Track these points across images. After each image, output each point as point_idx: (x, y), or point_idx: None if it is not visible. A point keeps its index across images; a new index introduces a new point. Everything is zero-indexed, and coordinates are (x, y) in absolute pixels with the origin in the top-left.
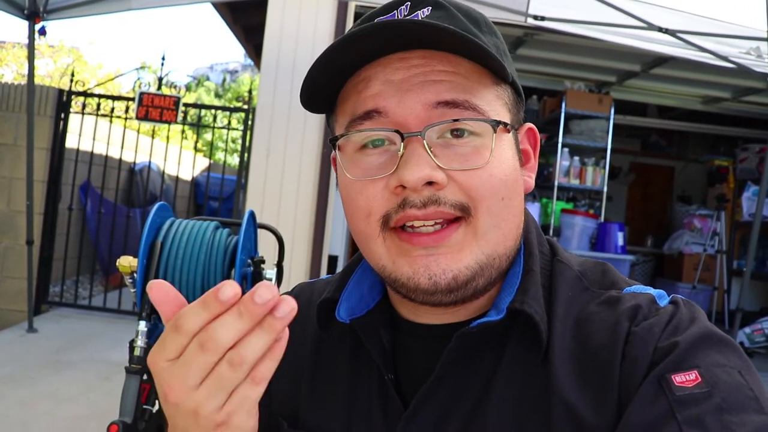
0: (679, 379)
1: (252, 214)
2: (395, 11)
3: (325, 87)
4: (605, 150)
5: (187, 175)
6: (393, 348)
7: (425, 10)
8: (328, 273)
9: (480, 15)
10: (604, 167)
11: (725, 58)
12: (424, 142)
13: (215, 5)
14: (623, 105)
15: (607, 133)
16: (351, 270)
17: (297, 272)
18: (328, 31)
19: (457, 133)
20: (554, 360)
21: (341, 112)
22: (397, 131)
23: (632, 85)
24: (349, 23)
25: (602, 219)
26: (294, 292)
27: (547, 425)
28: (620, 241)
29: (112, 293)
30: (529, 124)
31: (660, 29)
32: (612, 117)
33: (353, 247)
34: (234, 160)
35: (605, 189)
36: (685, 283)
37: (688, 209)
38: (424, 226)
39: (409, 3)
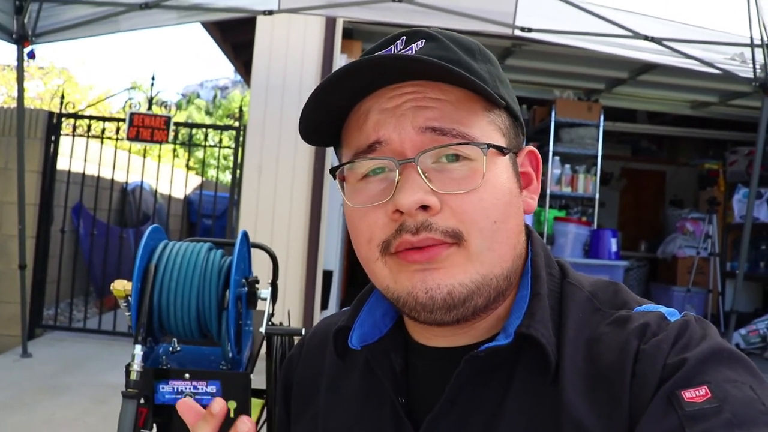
0: (688, 395)
1: (245, 234)
2: (392, 45)
3: (325, 122)
4: (596, 157)
5: (179, 193)
6: (406, 372)
7: (419, 42)
8: (323, 288)
9: (474, 44)
10: (596, 174)
11: (711, 65)
12: (418, 167)
13: (204, 24)
14: (612, 112)
15: (597, 140)
16: (365, 298)
17: (292, 289)
18: (317, 47)
19: (452, 158)
20: (565, 382)
21: (346, 145)
22: (392, 159)
23: (621, 92)
24: (338, 39)
25: (595, 226)
26: (314, 328)
27: None
28: (614, 247)
29: (107, 315)
30: (530, 147)
31: (646, 38)
32: (602, 124)
33: (348, 262)
34: (226, 177)
35: (597, 196)
36: (680, 286)
37: (680, 213)
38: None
39: (404, 37)
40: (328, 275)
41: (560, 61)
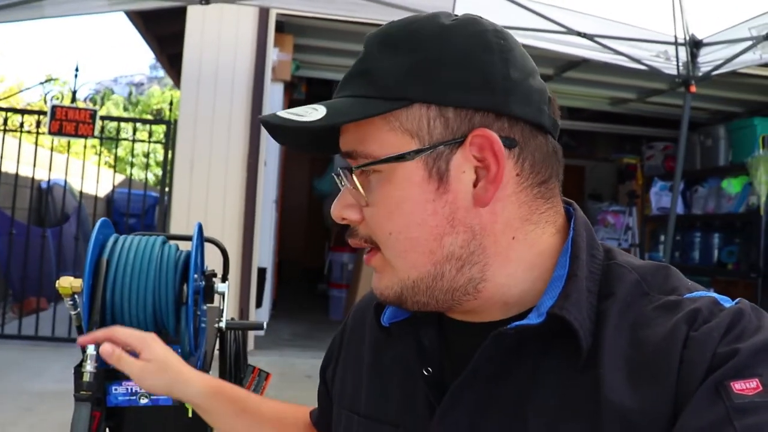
0: (738, 386)
1: (200, 227)
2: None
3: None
4: None
5: (101, 192)
6: (438, 344)
7: (346, 86)
8: (258, 286)
9: (400, 35)
10: None
11: (638, 61)
12: (344, 182)
13: (129, 15)
14: None
15: None
16: None
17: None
18: (250, 39)
19: (368, 173)
20: (605, 365)
21: None
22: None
23: None
24: (271, 32)
25: None
26: (364, 296)
27: (594, 429)
28: None
29: (27, 319)
30: (477, 131)
31: (579, 33)
32: None
33: (280, 258)
34: (149, 177)
35: None
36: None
37: (601, 206)
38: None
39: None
40: (262, 272)
41: None
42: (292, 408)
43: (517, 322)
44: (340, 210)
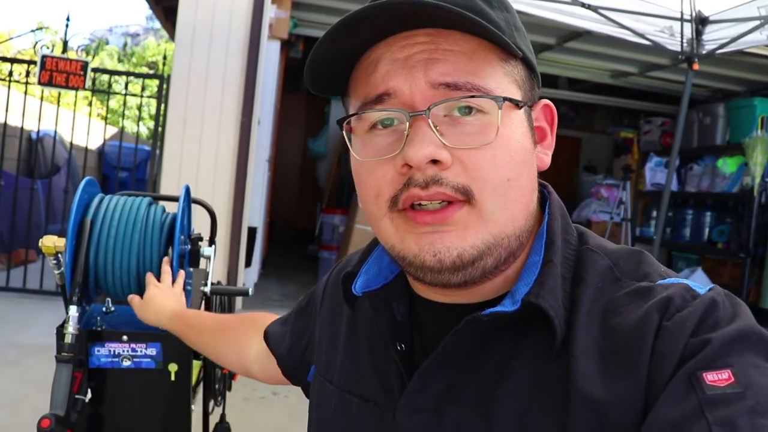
0: (710, 377)
1: (188, 189)
2: None
3: (332, 69)
4: None
5: (93, 144)
6: (409, 321)
7: None
8: (248, 245)
9: None
10: None
11: (642, 35)
12: (429, 120)
13: None
14: None
15: None
16: (374, 244)
17: (217, 245)
18: None
19: (465, 111)
20: (576, 353)
21: (354, 95)
22: (402, 111)
23: (546, 57)
24: None
25: None
26: (341, 263)
27: (563, 420)
28: None
29: (15, 271)
30: (546, 101)
31: (583, 5)
32: None
33: (270, 218)
34: (141, 130)
35: None
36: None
37: (595, 179)
38: (430, 204)
39: None
40: (252, 232)
41: None
42: (235, 319)
43: (492, 309)
44: (434, 149)
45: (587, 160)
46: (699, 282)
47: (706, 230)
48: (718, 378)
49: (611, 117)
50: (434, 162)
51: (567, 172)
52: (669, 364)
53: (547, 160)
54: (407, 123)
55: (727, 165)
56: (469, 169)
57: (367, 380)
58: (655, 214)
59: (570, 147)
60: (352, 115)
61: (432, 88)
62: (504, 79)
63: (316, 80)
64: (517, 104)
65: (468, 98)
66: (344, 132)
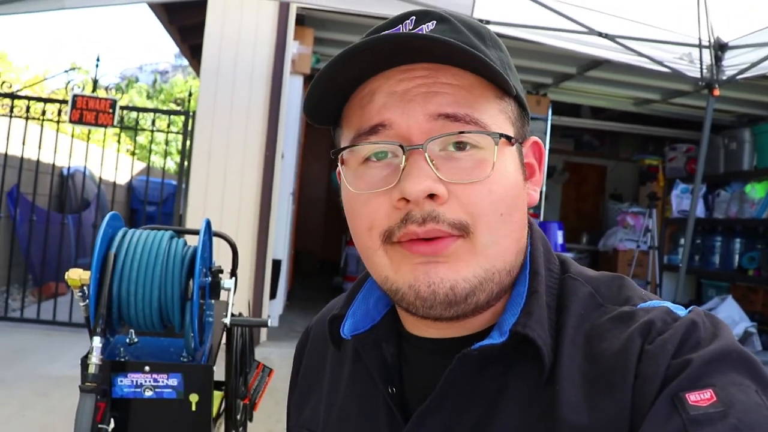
0: (693, 397)
1: (208, 223)
2: (400, 25)
3: (329, 100)
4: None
5: (121, 179)
6: (398, 362)
7: (430, 24)
8: (272, 277)
9: (485, 29)
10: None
11: (660, 63)
12: (426, 154)
13: (151, 5)
14: (558, 106)
15: (545, 133)
16: (359, 285)
17: (241, 278)
18: (270, 32)
19: (460, 146)
20: (562, 381)
21: (347, 126)
22: (399, 145)
23: (568, 87)
24: (291, 25)
25: (541, 218)
26: (321, 312)
27: None
28: (560, 240)
29: (46, 303)
30: (535, 138)
31: (600, 34)
32: (550, 118)
33: (294, 251)
34: (169, 164)
35: (544, 189)
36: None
37: (621, 207)
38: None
39: (414, 17)
40: (276, 264)
41: (511, 55)
42: None
43: (481, 343)
44: (431, 183)
45: (613, 188)
46: (730, 311)
47: (736, 257)
48: (700, 398)
49: (636, 144)
50: (431, 196)
51: (593, 200)
52: (652, 387)
53: (535, 196)
54: (403, 156)
55: (756, 190)
56: (465, 204)
57: (354, 426)
58: (682, 241)
59: (595, 175)
60: (347, 147)
61: (429, 121)
62: (499, 116)
63: (314, 111)
64: (510, 140)
65: (468, 133)
66: (339, 165)
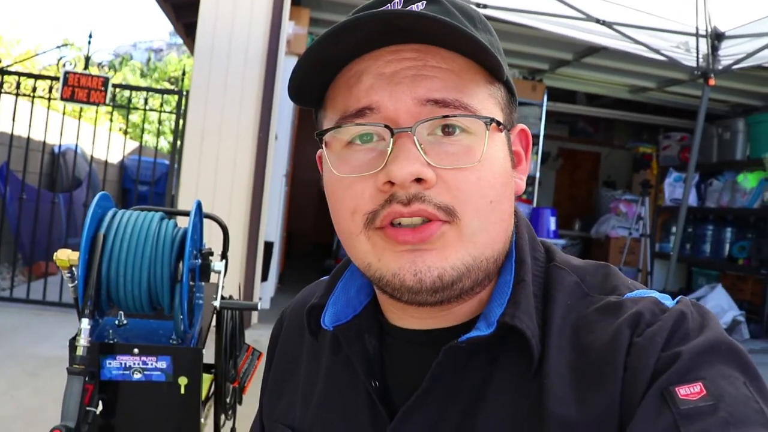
0: (683, 391)
1: (199, 205)
2: (389, 4)
3: (314, 79)
4: (538, 136)
5: (114, 158)
6: (381, 354)
7: (419, 4)
8: (264, 259)
9: (475, 12)
10: (537, 153)
11: (657, 51)
12: (415, 138)
13: None
14: (553, 92)
15: (540, 119)
16: (339, 274)
17: (232, 260)
18: (265, 12)
19: (449, 130)
20: (550, 373)
21: (331, 107)
22: (386, 126)
23: (563, 73)
24: (287, 4)
25: (535, 204)
26: (295, 299)
27: None
28: (552, 226)
29: (36, 283)
30: (522, 126)
31: (597, 20)
32: (545, 104)
33: (287, 233)
34: (162, 144)
35: (537, 175)
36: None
37: (614, 194)
38: (410, 221)
39: None
40: (268, 246)
41: (508, 39)
42: None
43: (468, 335)
44: (419, 167)
45: (606, 175)
46: (719, 299)
47: (727, 246)
48: (690, 392)
49: (630, 132)
50: (418, 180)
51: (586, 187)
52: (642, 381)
53: (522, 185)
54: (390, 139)
55: (748, 180)
56: (453, 189)
57: (336, 420)
58: (674, 229)
59: (589, 162)
60: (332, 128)
61: (418, 105)
62: (489, 101)
63: (298, 90)
64: (500, 126)
65: (456, 117)
66: (323, 147)
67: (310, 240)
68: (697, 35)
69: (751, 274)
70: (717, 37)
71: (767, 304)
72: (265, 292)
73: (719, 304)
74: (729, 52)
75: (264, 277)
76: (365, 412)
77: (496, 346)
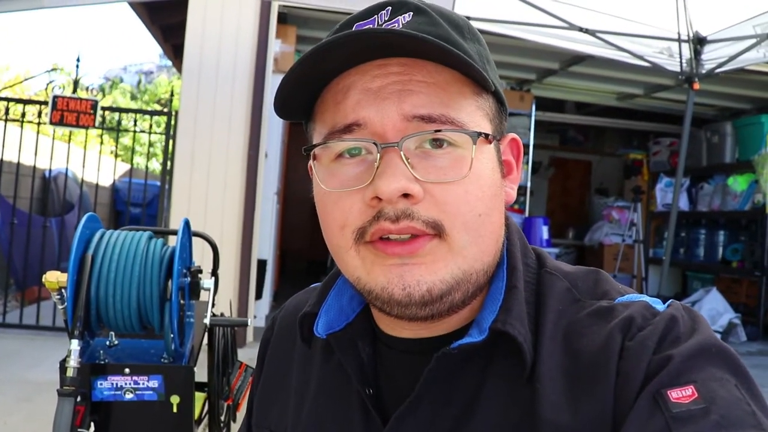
0: (675, 395)
1: (187, 223)
2: (375, 16)
3: (301, 95)
4: (527, 146)
5: (105, 181)
6: (374, 362)
7: (406, 15)
8: (257, 278)
9: (463, 21)
10: (527, 163)
11: (641, 57)
12: (401, 153)
13: (132, 5)
14: (542, 102)
15: (529, 129)
16: (332, 281)
17: (226, 278)
18: (252, 31)
19: (437, 143)
20: (543, 379)
21: (320, 121)
22: (374, 142)
23: (551, 82)
24: (273, 24)
25: (527, 214)
26: (285, 306)
27: None
28: (545, 235)
29: (29, 308)
30: (513, 135)
31: (580, 29)
32: (533, 114)
33: (280, 251)
34: (153, 165)
35: (529, 184)
36: (606, 272)
37: (606, 201)
38: (399, 236)
39: (390, 8)
40: (262, 264)
41: (494, 50)
42: None
43: (461, 341)
44: (406, 183)
45: (598, 183)
46: (714, 303)
47: (720, 249)
48: (682, 395)
49: (620, 139)
50: (405, 196)
51: (578, 195)
52: (634, 384)
53: (513, 194)
54: (377, 154)
55: (738, 183)
56: (441, 203)
57: (328, 426)
58: (666, 234)
59: (581, 170)
60: (320, 144)
61: (404, 121)
62: (477, 113)
63: (283, 105)
64: (488, 138)
65: (442, 132)
66: (311, 161)
67: (304, 258)
68: (679, 40)
69: (746, 277)
70: (699, 42)
71: (762, 306)
72: (259, 310)
73: (715, 308)
74: (712, 56)
75: (258, 296)
76: (358, 419)
77: (488, 353)
